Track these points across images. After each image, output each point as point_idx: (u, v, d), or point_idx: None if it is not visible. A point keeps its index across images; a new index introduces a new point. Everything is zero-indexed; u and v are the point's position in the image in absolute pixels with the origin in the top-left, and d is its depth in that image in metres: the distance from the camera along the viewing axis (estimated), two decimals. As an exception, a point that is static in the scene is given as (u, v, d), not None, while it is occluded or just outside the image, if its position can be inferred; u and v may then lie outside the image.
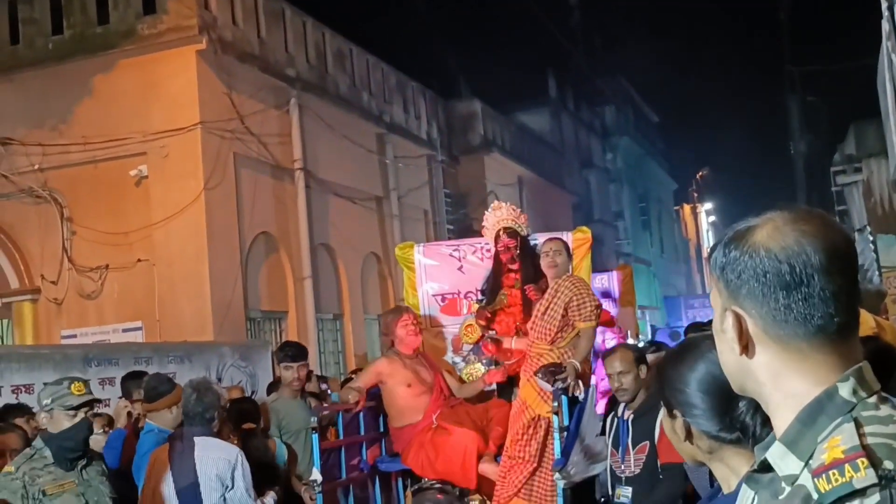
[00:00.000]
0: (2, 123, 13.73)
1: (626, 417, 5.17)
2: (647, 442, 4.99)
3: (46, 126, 13.59)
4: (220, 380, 11.23)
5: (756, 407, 1.99)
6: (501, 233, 7.07)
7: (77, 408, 4.54)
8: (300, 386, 6.58)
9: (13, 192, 13.81)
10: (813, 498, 1.28)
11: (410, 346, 6.74)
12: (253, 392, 11.61)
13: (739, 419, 2.03)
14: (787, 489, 1.34)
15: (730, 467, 2.06)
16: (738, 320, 1.42)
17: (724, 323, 1.45)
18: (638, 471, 5.04)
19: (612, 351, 5.36)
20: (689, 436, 2.09)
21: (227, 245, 13.50)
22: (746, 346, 1.43)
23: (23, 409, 7.20)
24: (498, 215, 7.23)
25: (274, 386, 9.92)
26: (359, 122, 17.42)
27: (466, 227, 22.06)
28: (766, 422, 2.02)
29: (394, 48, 19.79)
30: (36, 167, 13.55)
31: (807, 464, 1.33)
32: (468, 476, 6.30)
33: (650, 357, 5.56)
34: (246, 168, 14.14)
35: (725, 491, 2.07)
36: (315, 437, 5.90)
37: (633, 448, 5.08)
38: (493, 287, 7.09)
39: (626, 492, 5.05)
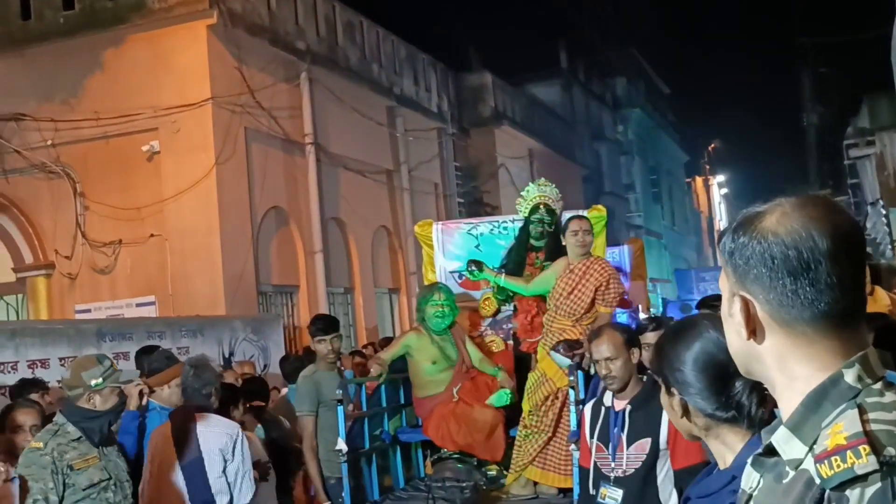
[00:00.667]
0: (13, 99, 13.76)
1: (618, 408, 4.45)
2: (649, 439, 4.33)
3: (58, 101, 13.62)
4: (232, 354, 11.33)
5: (752, 387, 2.04)
6: (542, 207, 7.08)
7: (123, 383, 4.77)
8: (335, 358, 6.74)
9: (26, 168, 13.87)
10: (815, 483, 1.31)
11: (439, 325, 6.83)
12: (265, 366, 11.71)
13: (735, 399, 2.07)
14: (791, 473, 1.37)
15: (725, 444, 2.11)
16: (746, 305, 1.44)
17: (731, 307, 1.47)
18: (632, 471, 4.33)
19: (598, 334, 4.64)
20: (685, 413, 2.14)
21: (238, 219, 13.54)
22: (754, 331, 1.45)
23: (38, 384, 7.29)
24: (542, 190, 7.22)
25: (289, 359, 10.05)
26: (369, 95, 17.39)
27: (477, 200, 22.08)
28: (762, 402, 2.07)
29: (404, 20, 19.73)
30: (48, 142, 13.58)
31: (811, 449, 1.35)
32: (496, 450, 6.54)
33: (650, 335, 4.86)
34: (257, 142, 14.15)
35: (721, 466, 2.11)
36: (340, 408, 6.06)
37: (629, 444, 4.36)
38: (516, 258, 7.15)
39: (614, 493, 4.35)
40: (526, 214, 7.17)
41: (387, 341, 12.82)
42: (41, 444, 4.58)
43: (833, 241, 1.38)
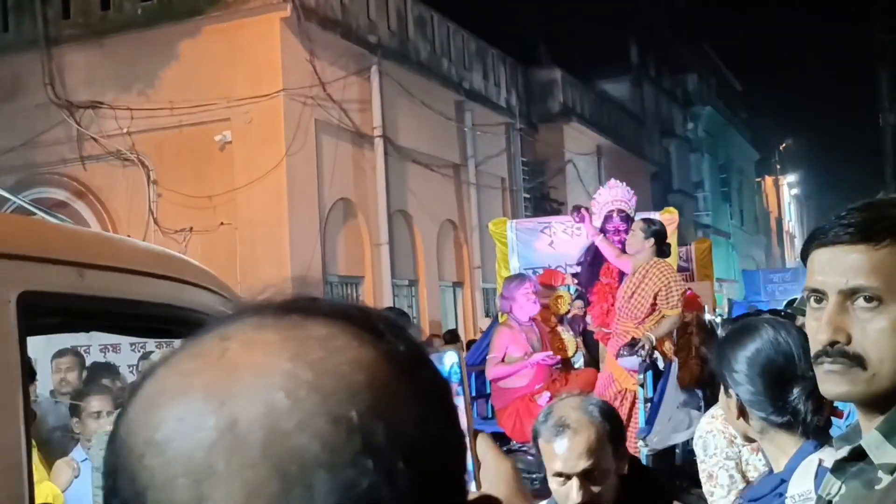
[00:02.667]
0: (92, 87, 14.10)
1: None
2: None
3: (134, 90, 13.92)
4: (298, 343, 11.48)
5: (809, 394, 2.03)
6: (615, 214, 7.15)
7: None
8: None
9: (102, 155, 14.21)
10: None
11: (528, 312, 6.92)
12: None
13: (792, 404, 2.07)
14: (887, 479, 1.34)
15: (779, 448, 2.11)
16: None
17: None
18: None
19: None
20: (742, 414, 2.14)
21: (306, 210, 13.72)
22: None
23: (110, 369, 7.48)
24: (613, 194, 7.28)
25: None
26: (438, 89, 17.45)
27: (543, 196, 22.02)
28: (818, 410, 2.07)
29: (475, 15, 19.67)
30: (124, 131, 13.90)
31: None
32: None
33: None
34: (326, 134, 14.31)
35: (775, 470, 2.11)
36: None
37: None
38: (592, 262, 7.21)
39: None
40: (599, 223, 7.23)
41: (451, 334, 12.92)
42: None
43: None
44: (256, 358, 0.60)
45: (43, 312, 1.79)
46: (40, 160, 14.29)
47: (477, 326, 17.37)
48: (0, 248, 1.67)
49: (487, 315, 17.52)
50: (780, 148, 52.55)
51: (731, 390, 2.17)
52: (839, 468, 1.44)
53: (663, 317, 6.40)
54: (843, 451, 1.44)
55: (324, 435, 0.58)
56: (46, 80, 14.21)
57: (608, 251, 6.92)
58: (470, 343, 11.19)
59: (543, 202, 21.63)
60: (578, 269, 7.39)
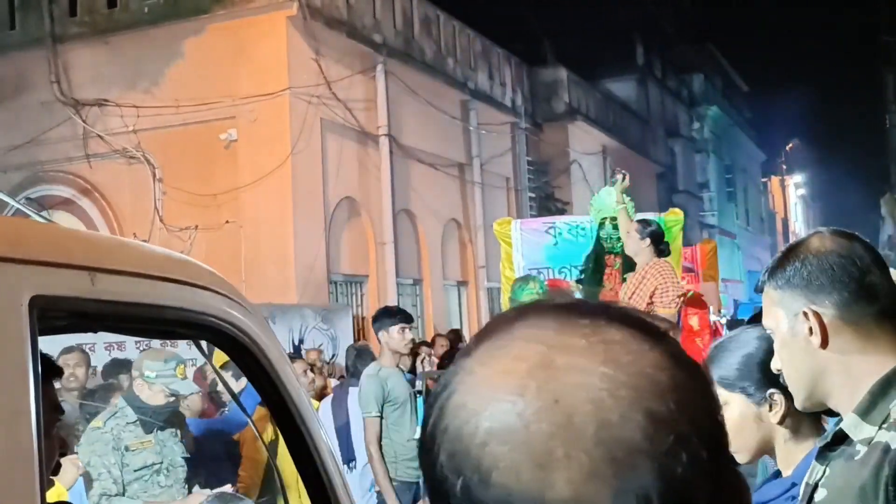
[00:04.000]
0: (98, 85, 14.14)
1: None
2: None
3: (140, 88, 13.95)
4: (302, 341, 11.51)
5: None
6: (607, 222, 7.17)
7: (174, 393, 4.82)
8: (409, 351, 6.64)
9: (107, 153, 14.25)
10: (892, 447, 1.49)
11: None
12: (333, 355, 11.88)
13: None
14: (864, 449, 1.55)
15: (790, 452, 2.14)
16: (816, 315, 1.63)
17: (795, 327, 1.65)
18: None
19: None
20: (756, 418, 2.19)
21: (311, 209, 13.74)
22: (826, 339, 1.63)
23: (127, 366, 7.55)
24: (608, 202, 7.27)
25: (355, 350, 10.17)
26: (443, 88, 17.47)
27: (548, 196, 22.03)
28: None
29: (480, 14, 19.69)
30: (130, 129, 13.93)
31: (881, 427, 1.54)
32: None
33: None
34: (331, 133, 14.34)
35: (784, 474, 2.12)
36: (420, 398, 6.06)
37: None
38: (594, 265, 7.22)
39: None
40: (597, 224, 7.26)
41: (455, 333, 12.92)
42: (101, 423, 4.75)
43: (872, 254, 1.65)
44: (575, 361, 0.70)
45: (54, 316, 1.81)
46: (46, 158, 14.33)
47: (482, 325, 17.37)
48: (12, 252, 1.69)
49: (492, 315, 17.53)
50: (787, 148, 52.51)
51: (775, 394, 2.11)
52: (822, 455, 1.65)
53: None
54: (826, 438, 1.66)
55: (643, 427, 0.67)
56: (52, 78, 14.25)
57: (623, 223, 6.92)
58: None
59: (548, 202, 21.64)
60: (582, 276, 7.41)
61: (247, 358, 2.31)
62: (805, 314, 1.63)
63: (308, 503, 2.53)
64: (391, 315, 6.51)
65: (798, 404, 1.76)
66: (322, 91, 13.89)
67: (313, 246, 13.63)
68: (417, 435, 6.08)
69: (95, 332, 2.20)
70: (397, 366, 6.49)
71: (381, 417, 6.12)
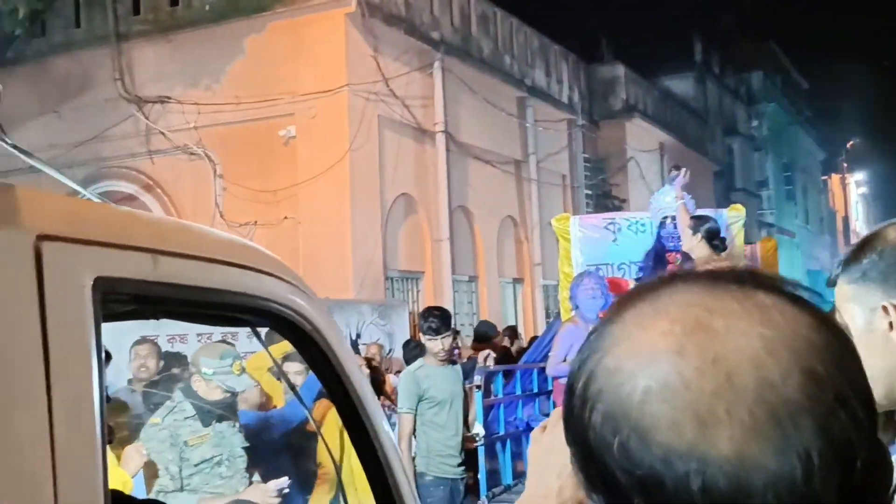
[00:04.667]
0: (161, 82, 14.33)
1: None
2: None
3: (202, 86, 14.11)
4: (359, 336, 11.54)
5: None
6: (668, 220, 7.07)
7: (230, 389, 4.85)
8: (446, 356, 6.60)
9: (169, 149, 14.44)
10: None
11: (592, 309, 6.84)
12: (390, 350, 11.89)
13: None
14: None
15: None
16: None
17: (874, 323, 1.57)
18: None
19: None
20: None
21: (368, 205, 13.78)
22: None
23: (179, 359, 7.62)
24: (668, 201, 7.18)
25: (411, 344, 10.18)
26: (500, 85, 17.42)
27: (605, 193, 21.85)
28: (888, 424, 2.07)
29: (538, 11, 19.62)
30: (191, 125, 14.10)
31: None
32: None
33: None
34: (389, 130, 14.37)
35: None
36: (479, 394, 6.10)
37: None
38: (655, 264, 7.12)
39: None
40: (658, 222, 7.15)
41: (511, 330, 12.87)
42: (159, 420, 4.78)
43: None
44: (731, 323, 0.71)
45: (117, 298, 1.80)
46: (110, 154, 14.56)
47: (537, 323, 17.33)
48: (76, 232, 1.68)
49: (548, 313, 17.48)
50: (847, 146, 51.49)
51: None
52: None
53: None
54: None
55: (803, 386, 0.68)
56: (116, 76, 14.48)
57: (681, 220, 6.82)
58: (531, 339, 11.16)
59: (605, 199, 21.47)
60: (641, 274, 7.31)
61: (310, 346, 2.29)
62: (885, 308, 1.56)
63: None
64: (424, 320, 6.60)
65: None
66: (380, 88, 13.93)
67: (370, 242, 13.67)
68: (478, 430, 6.08)
69: (157, 318, 2.20)
70: (447, 363, 6.51)
71: (416, 414, 6.20)
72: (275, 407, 6.52)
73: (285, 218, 13.59)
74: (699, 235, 6.40)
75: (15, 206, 1.58)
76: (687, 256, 6.67)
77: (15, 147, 2.01)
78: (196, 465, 4.68)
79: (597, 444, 0.72)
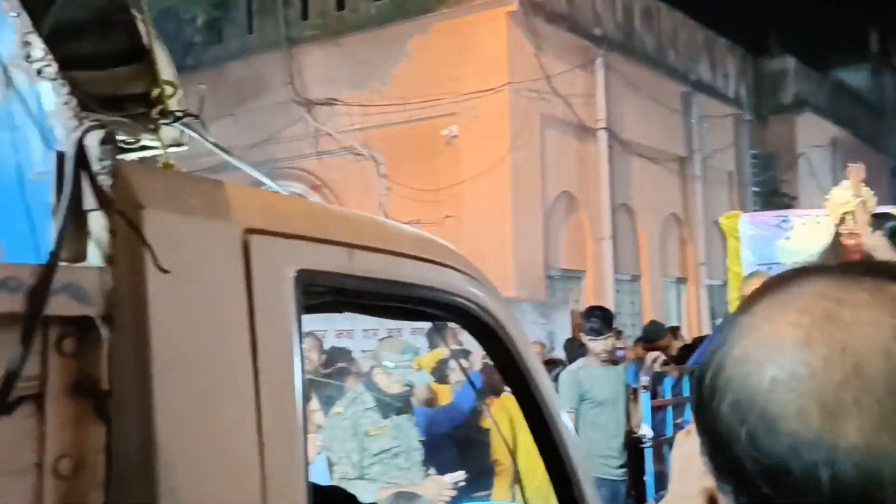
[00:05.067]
0: (329, 85, 14.75)
1: None
2: None
3: (368, 88, 14.44)
4: (521, 335, 11.54)
5: None
6: (848, 217, 6.77)
7: (408, 383, 5.00)
8: (609, 357, 6.55)
9: (336, 150, 14.84)
10: None
11: None
12: (551, 349, 11.85)
13: None
14: None
15: None
16: None
17: None
18: None
19: None
20: None
21: (529, 204, 13.78)
22: None
23: (344, 354, 7.85)
24: (846, 196, 6.89)
25: (573, 343, 10.13)
26: (664, 81, 17.10)
27: (773, 191, 21.10)
28: None
29: (702, 4, 19.11)
30: (357, 126, 14.45)
31: None
32: None
33: None
34: (550, 128, 14.32)
35: None
36: (646, 395, 6.05)
37: None
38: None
39: None
40: (836, 222, 6.85)
41: (674, 331, 12.61)
42: (342, 410, 4.93)
43: None
44: (862, 314, 0.71)
45: (316, 291, 1.86)
46: (281, 155, 15.08)
47: (701, 323, 16.91)
48: (281, 227, 1.75)
49: (712, 313, 17.03)
50: None
51: None
52: None
53: None
54: None
55: None
56: (287, 79, 15.00)
57: (860, 218, 6.53)
58: (696, 339, 10.90)
59: (774, 197, 20.71)
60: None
61: (492, 340, 2.31)
62: None
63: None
64: (587, 321, 6.61)
65: None
66: (541, 86, 13.91)
67: (531, 241, 13.67)
68: (645, 431, 5.99)
69: (352, 311, 2.26)
70: (609, 363, 6.45)
71: (577, 414, 6.17)
72: (440, 405, 6.61)
73: (447, 217, 13.74)
74: (880, 233, 6.12)
75: (225, 200, 1.65)
76: (867, 254, 6.38)
77: (216, 145, 2.11)
78: (375, 455, 4.83)
79: (725, 433, 0.73)
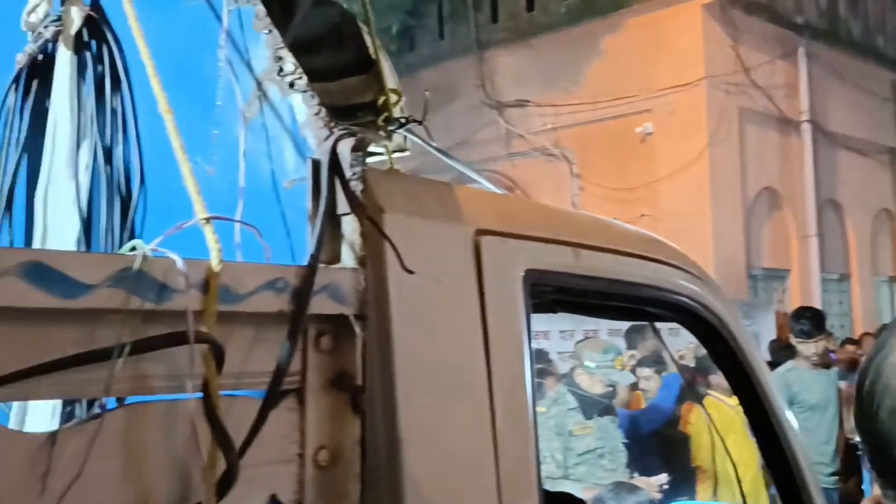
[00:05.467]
0: (520, 87, 14.82)
1: None
2: None
3: (559, 87, 14.41)
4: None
5: None
6: None
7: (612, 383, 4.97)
8: (820, 360, 6.29)
9: (528, 151, 14.89)
10: None
11: None
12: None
13: None
14: None
15: None
16: None
17: None
18: None
19: None
20: None
21: (729, 201, 13.38)
22: None
23: (542, 355, 7.86)
24: None
25: (776, 345, 9.76)
26: (872, 68, 16.21)
27: None
28: None
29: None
30: (548, 127, 14.45)
31: None
32: None
33: None
34: (749, 122, 13.85)
35: None
36: None
37: None
38: None
39: None
40: None
41: (863, 338, 11.94)
42: (544, 409, 4.95)
43: None
44: None
45: (543, 290, 1.88)
46: (473, 158, 15.24)
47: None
48: (510, 227, 1.78)
49: (930, 313, 16.01)
50: None
51: None
52: None
53: None
54: None
55: None
56: (478, 83, 15.18)
57: None
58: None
59: None
60: None
61: (717, 341, 2.27)
62: None
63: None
64: (796, 322, 6.37)
65: None
66: (740, 79, 13.48)
67: (732, 239, 13.27)
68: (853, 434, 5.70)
69: (569, 311, 2.28)
70: (820, 366, 6.19)
71: None
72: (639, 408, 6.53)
73: (642, 215, 13.51)
74: None
75: (457, 203, 1.70)
76: None
77: (438, 150, 2.17)
78: (580, 455, 4.83)
79: (884, 437, 0.71)
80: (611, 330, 9.63)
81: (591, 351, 4.97)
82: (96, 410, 1.25)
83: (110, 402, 1.20)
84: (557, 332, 9.71)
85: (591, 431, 4.92)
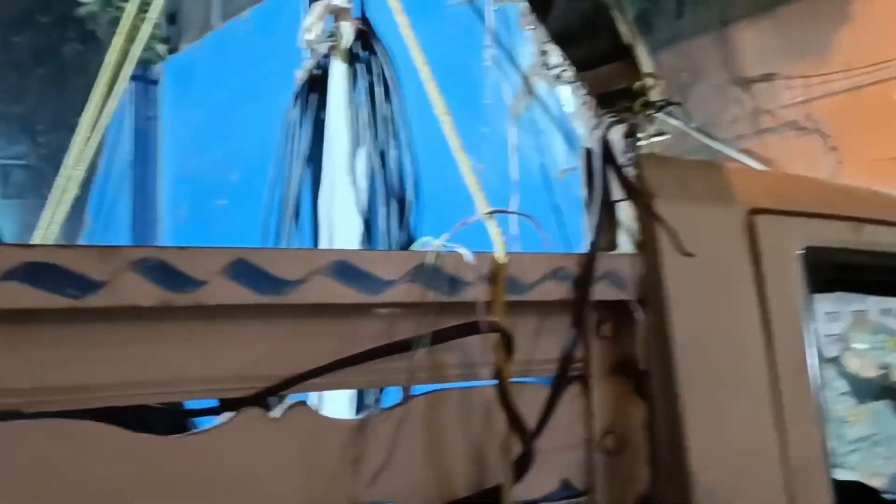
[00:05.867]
0: (765, 61, 14.20)
1: None
2: None
3: (807, 59, 13.69)
4: None
5: None
6: None
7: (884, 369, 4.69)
8: None
9: (777, 127, 14.24)
10: None
11: None
12: None
13: None
14: None
15: None
16: None
17: None
18: None
19: None
20: None
21: None
22: None
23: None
24: None
25: None
26: None
27: None
28: None
29: None
30: (798, 100, 13.76)
31: None
32: None
33: None
34: None
35: None
36: None
37: None
38: None
39: None
40: None
41: None
42: None
43: None
44: None
45: (822, 268, 1.82)
46: (719, 138, 14.79)
47: None
48: (785, 205, 1.73)
49: None
50: None
51: None
52: None
53: None
54: None
55: None
56: (721, 61, 14.69)
57: None
58: None
59: None
60: None
61: None
62: None
63: None
64: None
65: None
66: None
67: None
68: None
69: (856, 290, 2.17)
70: None
71: None
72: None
73: (907, 187, 12.62)
74: None
75: (728, 183, 1.67)
76: None
77: (699, 130, 2.13)
78: (852, 443, 4.59)
79: None
80: (883, 310, 9.04)
81: (861, 332, 4.70)
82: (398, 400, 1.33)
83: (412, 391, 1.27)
84: (823, 313, 9.24)
85: (864, 417, 4.65)
